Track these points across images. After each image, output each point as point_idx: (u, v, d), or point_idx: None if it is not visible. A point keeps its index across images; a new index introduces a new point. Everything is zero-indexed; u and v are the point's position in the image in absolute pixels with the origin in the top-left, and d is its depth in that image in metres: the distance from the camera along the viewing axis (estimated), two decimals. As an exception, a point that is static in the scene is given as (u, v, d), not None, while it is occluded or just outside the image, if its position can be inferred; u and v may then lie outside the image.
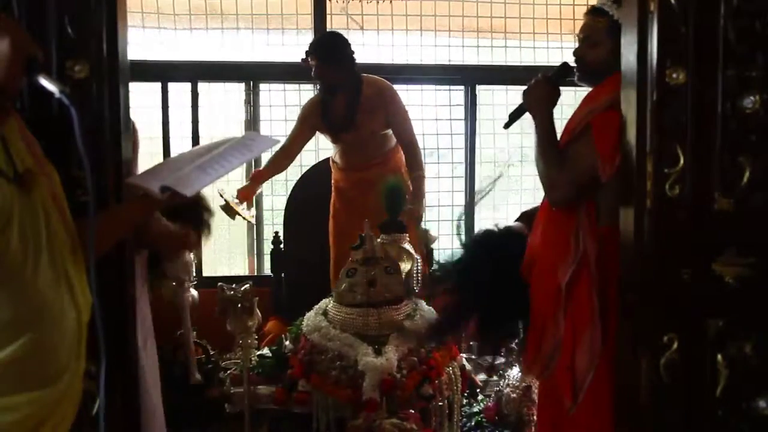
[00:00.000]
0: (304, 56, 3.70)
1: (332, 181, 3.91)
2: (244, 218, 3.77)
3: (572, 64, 2.23)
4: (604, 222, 2.08)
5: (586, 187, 2.07)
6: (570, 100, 2.29)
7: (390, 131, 3.80)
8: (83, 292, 1.31)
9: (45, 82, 1.17)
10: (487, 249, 2.44)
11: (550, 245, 2.19)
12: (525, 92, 2.21)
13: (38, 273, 1.20)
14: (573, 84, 2.25)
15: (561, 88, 2.22)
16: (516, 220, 2.47)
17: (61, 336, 1.25)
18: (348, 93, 3.66)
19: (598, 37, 2.15)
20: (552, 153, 2.12)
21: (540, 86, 2.18)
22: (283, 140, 3.87)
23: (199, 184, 1.47)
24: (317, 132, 3.90)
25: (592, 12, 2.19)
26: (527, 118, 2.24)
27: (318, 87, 3.80)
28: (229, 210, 3.63)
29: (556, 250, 2.14)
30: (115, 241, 1.50)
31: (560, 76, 2.21)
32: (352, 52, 3.68)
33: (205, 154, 1.52)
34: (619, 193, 2.00)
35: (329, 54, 3.62)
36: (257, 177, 3.85)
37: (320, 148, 4.36)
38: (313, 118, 3.79)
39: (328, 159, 4.09)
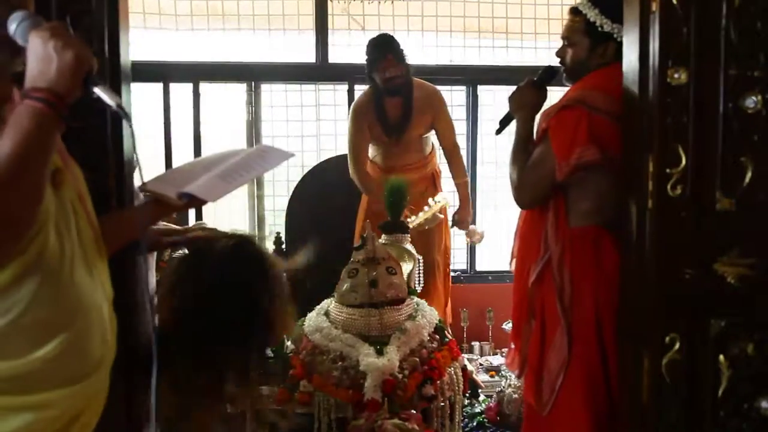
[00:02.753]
0: (386, 54, 3.56)
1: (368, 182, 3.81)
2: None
3: (557, 65, 2.25)
4: (577, 223, 2.09)
5: (548, 188, 2.09)
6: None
7: (429, 135, 3.79)
8: (107, 285, 1.34)
9: (102, 94, 1.19)
10: None
11: (525, 244, 2.23)
12: (510, 97, 2.22)
13: (74, 270, 1.22)
14: (562, 86, 2.26)
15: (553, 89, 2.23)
16: None
17: (97, 329, 1.27)
18: (404, 95, 3.66)
19: (575, 37, 2.18)
20: (520, 156, 2.15)
21: (524, 91, 2.20)
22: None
23: (222, 192, 1.47)
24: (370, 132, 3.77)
25: (570, 12, 2.22)
26: None
27: (381, 87, 3.64)
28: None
29: (530, 249, 2.19)
30: (124, 243, 1.51)
31: (545, 79, 2.22)
32: None
33: (218, 163, 1.51)
34: (602, 194, 2.02)
35: (402, 53, 3.61)
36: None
37: (321, 149, 4.37)
38: (368, 119, 3.73)
39: (330, 159, 4.08)
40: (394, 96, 3.65)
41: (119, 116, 1.21)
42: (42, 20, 1.17)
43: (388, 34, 3.83)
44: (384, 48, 3.62)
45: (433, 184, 3.87)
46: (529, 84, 2.20)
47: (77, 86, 1.14)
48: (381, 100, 3.68)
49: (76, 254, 1.23)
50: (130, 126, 1.23)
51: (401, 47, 3.64)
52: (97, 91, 1.18)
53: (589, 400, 2.04)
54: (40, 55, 1.11)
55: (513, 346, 2.34)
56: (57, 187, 1.22)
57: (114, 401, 1.36)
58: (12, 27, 1.15)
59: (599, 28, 2.11)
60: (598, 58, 2.13)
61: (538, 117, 2.21)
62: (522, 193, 2.15)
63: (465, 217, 3.75)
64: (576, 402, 2.05)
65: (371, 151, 3.88)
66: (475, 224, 4.05)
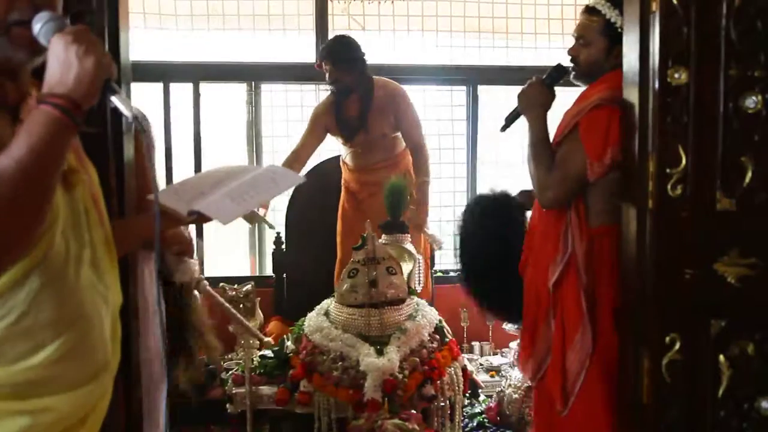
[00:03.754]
0: (317, 61, 3.71)
1: (342, 182, 3.91)
2: (266, 223, 3.70)
3: (567, 63, 2.23)
4: (595, 222, 2.08)
5: (576, 187, 2.08)
6: (565, 100, 2.29)
7: (399, 134, 3.80)
8: (115, 290, 1.33)
9: (119, 104, 1.17)
10: (479, 208, 2.45)
11: (541, 245, 2.20)
12: (519, 95, 2.21)
13: (80, 273, 1.21)
14: (569, 84, 2.25)
15: (556, 88, 2.22)
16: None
17: (99, 334, 1.25)
18: (360, 95, 3.67)
19: (591, 36, 2.16)
20: (543, 155, 2.13)
21: (534, 89, 2.19)
22: (293, 146, 3.87)
23: (232, 213, 1.45)
24: (328, 134, 3.88)
25: (587, 11, 2.20)
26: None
27: (330, 89, 3.78)
28: (251, 217, 3.60)
29: (546, 250, 2.16)
30: (127, 251, 1.51)
31: (554, 77, 2.21)
32: (363, 54, 3.69)
33: (227, 180, 1.49)
34: (615, 193, 2.00)
35: (342, 57, 3.63)
36: None
37: (321, 149, 4.36)
38: (326, 120, 3.79)
39: (330, 159, 4.09)
40: (347, 97, 3.69)
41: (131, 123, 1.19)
42: (67, 23, 1.15)
43: (339, 36, 3.81)
44: (321, 54, 3.70)
45: None
46: (538, 82, 2.19)
47: (95, 94, 1.13)
48: (341, 101, 3.72)
49: (84, 256, 1.22)
50: (146, 137, 1.21)
51: (344, 52, 3.64)
52: (114, 100, 1.17)
53: (608, 400, 2.03)
54: (61, 60, 1.10)
55: (521, 348, 2.31)
56: (69, 187, 1.20)
57: (114, 401, 1.35)
58: (36, 27, 1.14)
59: (619, 29, 2.07)
60: (614, 58, 2.11)
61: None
62: (549, 192, 2.11)
63: (419, 217, 3.66)
64: (596, 402, 2.04)
65: (342, 151, 3.93)
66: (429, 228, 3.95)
